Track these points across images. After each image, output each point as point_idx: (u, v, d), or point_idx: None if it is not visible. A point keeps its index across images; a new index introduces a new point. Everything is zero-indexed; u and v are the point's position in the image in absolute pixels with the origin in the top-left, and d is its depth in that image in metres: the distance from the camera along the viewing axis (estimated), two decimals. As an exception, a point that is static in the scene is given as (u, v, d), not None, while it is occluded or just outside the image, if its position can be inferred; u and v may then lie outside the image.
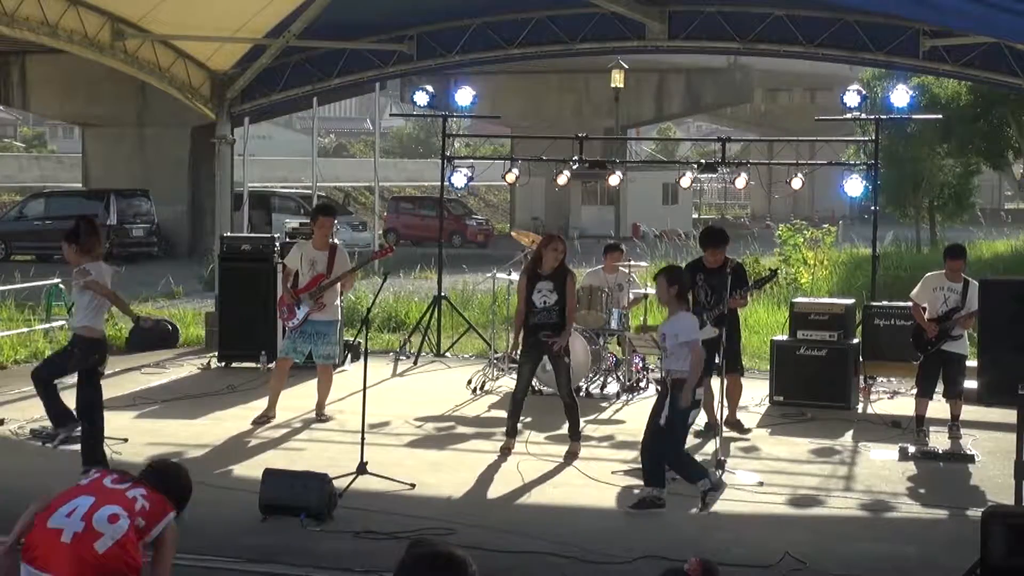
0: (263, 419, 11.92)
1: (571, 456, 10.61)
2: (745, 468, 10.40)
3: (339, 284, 12.10)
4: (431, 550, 3.66)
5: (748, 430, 11.75)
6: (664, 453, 9.20)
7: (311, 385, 12.56)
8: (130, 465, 10.09)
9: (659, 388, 9.77)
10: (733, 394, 11.67)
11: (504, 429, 10.98)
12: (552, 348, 10.56)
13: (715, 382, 10.86)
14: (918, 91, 22.36)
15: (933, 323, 11.44)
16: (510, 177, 17.08)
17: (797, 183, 15.68)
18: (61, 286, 17.03)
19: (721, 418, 11.21)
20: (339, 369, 14.78)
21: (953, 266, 11.55)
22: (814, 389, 12.94)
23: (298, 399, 12.80)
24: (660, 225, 41.12)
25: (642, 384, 13.75)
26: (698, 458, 10.66)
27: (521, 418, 12.35)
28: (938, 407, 11.80)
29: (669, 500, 9.31)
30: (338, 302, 12.32)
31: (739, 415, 11.85)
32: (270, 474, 8.83)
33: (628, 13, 15.40)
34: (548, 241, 10.80)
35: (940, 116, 21.57)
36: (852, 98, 14.60)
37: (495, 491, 9.65)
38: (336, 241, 12.45)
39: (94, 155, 38.58)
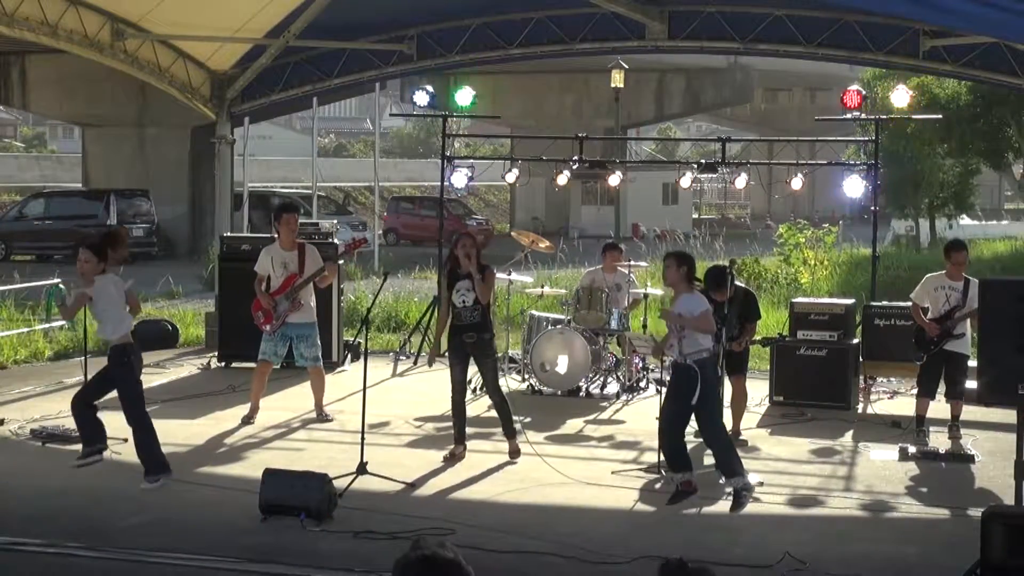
0: (249, 418, 11.94)
1: (513, 454, 10.58)
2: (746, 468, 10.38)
3: (312, 283, 11.94)
4: (424, 553, 3.67)
5: (744, 442, 11.38)
6: (715, 436, 9.52)
7: (307, 386, 12.55)
8: (130, 465, 10.12)
9: (670, 373, 9.74)
10: (739, 403, 11.47)
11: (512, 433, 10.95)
12: (474, 348, 10.53)
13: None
14: (918, 91, 22.36)
15: (935, 323, 11.43)
16: (510, 177, 17.06)
17: (797, 183, 15.66)
18: (61, 286, 16.95)
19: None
20: (339, 369, 14.80)
21: (958, 259, 11.48)
22: (814, 389, 12.93)
23: (297, 399, 12.81)
24: (660, 225, 41.12)
25: (642, 384, 13.75)
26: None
27: (521, 418, 12.37)
28: (938, 407, 11.78)
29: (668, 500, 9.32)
30: (313, 302, 12.16)
31: (740, 423, 11.62)
32: (270, 474, 8.83)
33: (628, 13, 15.41)
34: (457, 241, 10.64)
35: (940, 116, 21.55)
36: (852, 98, 14.58)
37: (495, 491, 9.65)
38: (303, 241, 12.20)
39: (94, 155, 38.57)
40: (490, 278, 10.59)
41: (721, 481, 9.54)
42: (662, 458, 9.92)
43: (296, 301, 11.80)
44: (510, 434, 10.72)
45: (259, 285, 11.93)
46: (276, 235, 12.20)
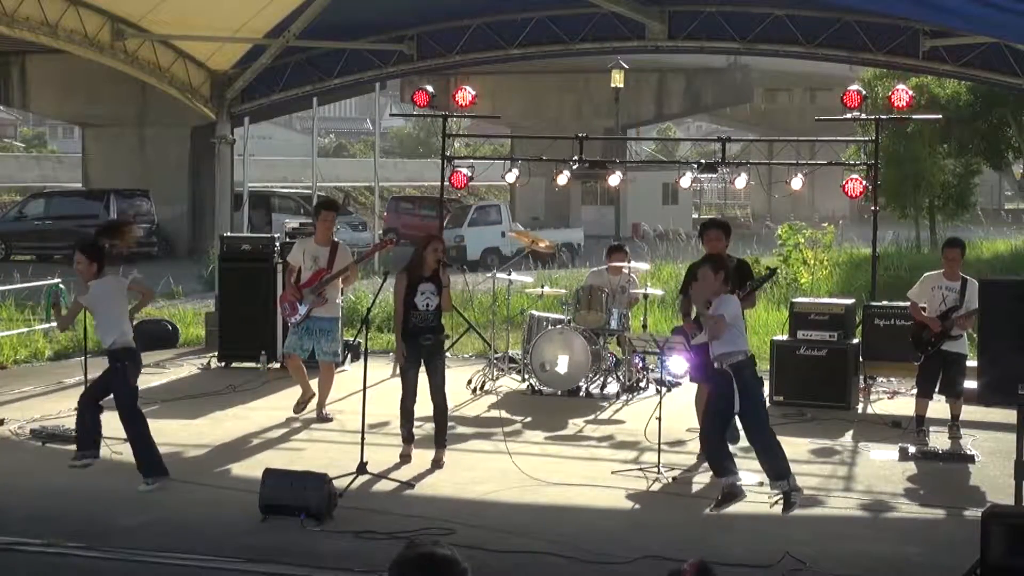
0: (303, 403, 12.05)
1: (435, 465, 10.26)
2: (745, 468, 10.38)
3: (340, 280, 12.13)
4: (421, 551, 3.67)
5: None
6: (757, 440, 9.30)
7: (312, 383, 12.54)
8: (130, 465, 10.12)
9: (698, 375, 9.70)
10: None
11: (509, 430, 10.95)
12: (430, 349, 10.34)
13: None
14: (918, 91, 22.34)
15: (935, 320, 11.41)
16: (510, 177, 17.04)
17: (797, 183, 15.64)
18: (61, 286, 16.85)
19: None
20: (339, 369, 14.77)
21: (950, 255, 11.48)
22: (814, 389, 12.92)
23: (297, 399, 12.79)
24: (661, 225, 41.13)
25: (642, 384, 13.73)
26: (694, 459, 10.68)
27: (521, 418, 12.38)
28: (938, 407, 11.78)
29: (670, 500, 9.32)
30: (339, 299, 12.35)
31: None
32: (270, 474, 8.83)
33: (628, 13, 15.42)
34: (427, 241, 10.45)
35: (940, 116, 21.55)
36: (852, 98, 14.55)
37: (495, 491, 9.64)
38: (337, 240, 12.48)
39: (94, 155, 38.60)
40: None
41: (765, 483, 9.43)
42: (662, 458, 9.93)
43: (322, 295, 11.92)
44: (440, 443, 10.49)
45: (289, 276, 12.15)
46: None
